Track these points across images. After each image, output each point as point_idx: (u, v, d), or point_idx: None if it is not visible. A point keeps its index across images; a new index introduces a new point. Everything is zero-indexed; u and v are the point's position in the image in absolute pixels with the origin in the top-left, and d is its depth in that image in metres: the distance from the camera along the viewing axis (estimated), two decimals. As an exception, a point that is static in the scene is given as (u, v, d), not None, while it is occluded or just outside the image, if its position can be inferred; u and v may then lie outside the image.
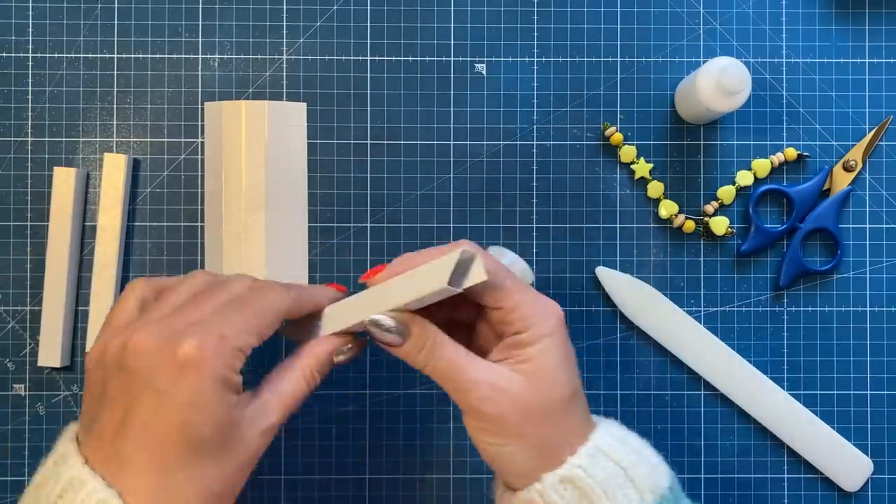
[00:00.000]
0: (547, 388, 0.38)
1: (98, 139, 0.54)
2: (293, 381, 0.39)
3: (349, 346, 0.41)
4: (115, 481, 0.34)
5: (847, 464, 0.53)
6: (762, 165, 0.53)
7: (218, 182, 0.52)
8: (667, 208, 0.53)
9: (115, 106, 0.54)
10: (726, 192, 0.53)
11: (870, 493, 0.53)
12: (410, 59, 0.54)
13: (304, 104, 0.48)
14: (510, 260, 0.48)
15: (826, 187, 0.53)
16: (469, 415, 0.38)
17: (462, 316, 0.43)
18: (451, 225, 0.54)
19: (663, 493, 0.39)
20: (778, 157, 0.53)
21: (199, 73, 0.54)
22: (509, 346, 0.39)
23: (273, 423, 0.37)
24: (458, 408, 0.39)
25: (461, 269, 0.37)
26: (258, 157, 0.52)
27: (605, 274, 0.53)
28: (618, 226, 0.54)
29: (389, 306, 0.38)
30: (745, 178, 0.53)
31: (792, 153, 0.53)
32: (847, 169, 0.53)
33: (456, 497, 0.53)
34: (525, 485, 0.38)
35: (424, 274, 0.37)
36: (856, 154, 0.53)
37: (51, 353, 0.52)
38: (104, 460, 0.35)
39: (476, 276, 0.37)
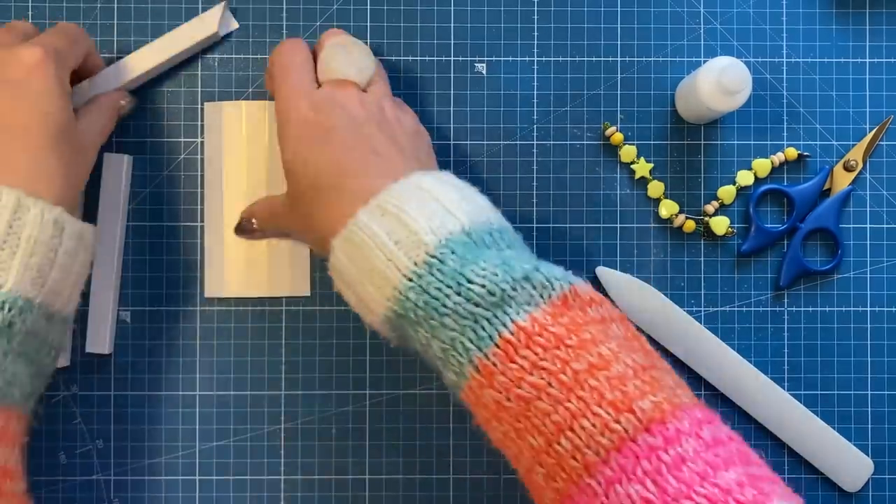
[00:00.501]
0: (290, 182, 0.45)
1: (98, 139, 0.54)
2: (102, 104, 0.50)
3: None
4: None
5: (847, 464, 0.53)
6: (763, 165, 0.53)
7: (218, 182, 0.52)
8: (667, 208, 0.53)
9: (114, 106, 0.54)
10: (727, 192, 0.53)
11: (870, 493, 0.53)
12: (410, 59, 0.54)
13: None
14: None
15: (827, 187, 0.53)
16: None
17: None
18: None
19: (489, 228, 0.40)
20: (778, 157, 0.53)
21: (199, 73, 0.54)
22: None
23: (105, 124, 0.49)
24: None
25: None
26: (259, 158, 0.52)
27: (605, 274, 0.53)
28: (618, 226, 0.54)
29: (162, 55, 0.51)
30: (745, 177, 0.53)
31: (792, 153, 0.53)
32: (848, 169, 0.53)
33: (456, 497, 0.53)
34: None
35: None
36: (856, 154, 0.53)
37: (50, 353, 0.52)
38: None
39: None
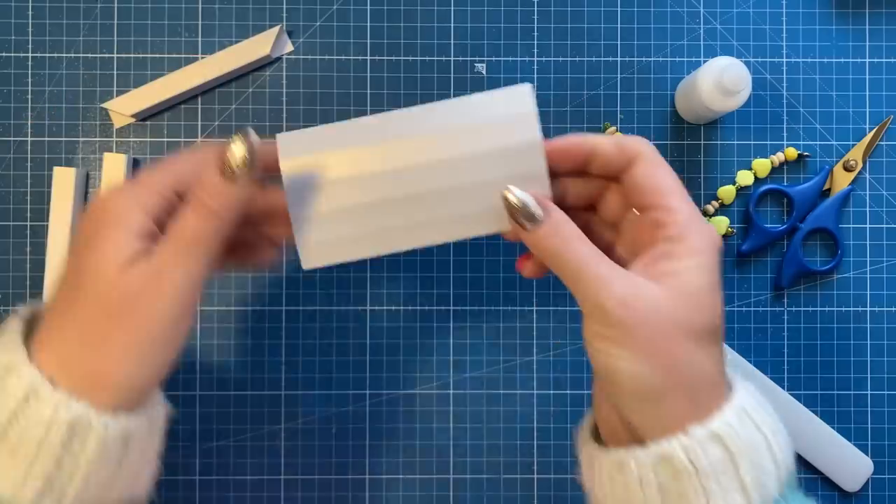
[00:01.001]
0: (689, 308, 0.32)
1: (98, 139, 0.54)
2: (186, 217, 0.34)
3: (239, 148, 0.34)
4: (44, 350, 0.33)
5: (847, 464, 0.53)
6: (762, 165, 0.53)
7: (420, 125, 0.39)
8: (667, 208, 0.53)
9: (114, 106, 0.54)
10: (726, 192, 0.53)
11: (870, 493, 0.53)
12: (410, 59, 0.54)
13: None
14: None
15: (826, 187, 0.53)
16: (592, 317, 0.33)
17: (598, 226, 0.39)
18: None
19: (791, 469, 0.33)
20: (778, 157, 0.53)
21: (199, 72, 0.54)
22: (656, 258, 0.33)
23: (173, 270, 0.33)
24: (582, 309, 0.33)
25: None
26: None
27: (605, 274, 0.53)
28: (618, 226, 0.54)
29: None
30: (745, 177, 0.53)
31: (792, 153, 0.53)
32: (847, 169, 0.53)
33: (456, 497, 0.53)
34: (650, 422, 0.32)
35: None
36: (856, 154, 0.53)
37: (50, 353, 0.52)
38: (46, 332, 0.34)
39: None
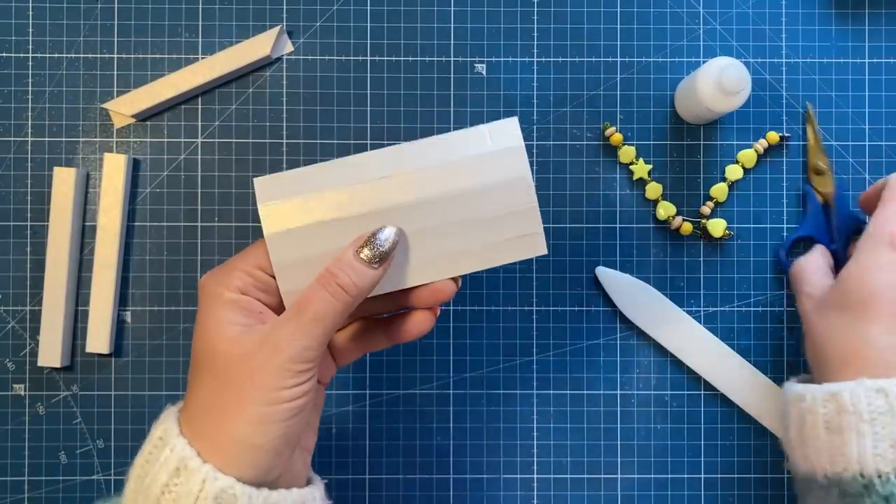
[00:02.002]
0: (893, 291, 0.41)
1: (98, 139, 0.54)
2: (313, 294, 0.35)
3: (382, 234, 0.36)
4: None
5: (847, 464, 0.53)
6: (748, 156, 0.53)
7: (421, 160, 0.38)
8: (665, 209, 0.53)
9: (115, 106, 0.54)
10: (719, 190, 0.53)
11: (870, 492, 0.53)
12: (410, 59, 0.54)
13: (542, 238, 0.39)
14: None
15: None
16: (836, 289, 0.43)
17: None
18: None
19: None
20: (761, 144, 0.53)
21: (199, 73, 0.54)
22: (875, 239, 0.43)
23: (290, 342, 0.33)
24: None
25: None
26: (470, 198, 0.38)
27: (605, 274, 0.53)
28: (618, 226, 0.54)
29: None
30: (734, 172, 0.53)
31: (774, 137, 0.53)
32: (818, 173, 0.53)
33: (456, 497, 0.53)
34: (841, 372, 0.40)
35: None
36: (815, 158, 0.54)
37: (51, 353, 0.52)
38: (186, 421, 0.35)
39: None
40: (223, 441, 0.33)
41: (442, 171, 0.37)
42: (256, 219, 0.53)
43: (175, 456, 0.33)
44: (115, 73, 0.54)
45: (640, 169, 0.53)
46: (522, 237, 0.38)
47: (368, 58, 0.54)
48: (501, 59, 0.54)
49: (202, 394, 0.34)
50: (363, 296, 0.35)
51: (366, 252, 0.35)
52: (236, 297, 0.35)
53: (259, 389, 0.33)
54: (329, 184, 0.36)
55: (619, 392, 0.54)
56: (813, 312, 0.45)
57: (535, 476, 0.53)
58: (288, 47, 0.54)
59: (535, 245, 0.38)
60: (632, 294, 0.53)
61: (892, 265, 0.41)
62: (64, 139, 0.54)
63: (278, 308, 0.37)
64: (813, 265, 0.48)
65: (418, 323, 0.39)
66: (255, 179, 0.37)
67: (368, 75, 0.54)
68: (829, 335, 0.42)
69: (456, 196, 0.37)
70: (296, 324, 0.34)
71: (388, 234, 0.36)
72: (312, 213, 0.36)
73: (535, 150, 0.54)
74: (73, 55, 0.54)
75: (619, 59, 0.54)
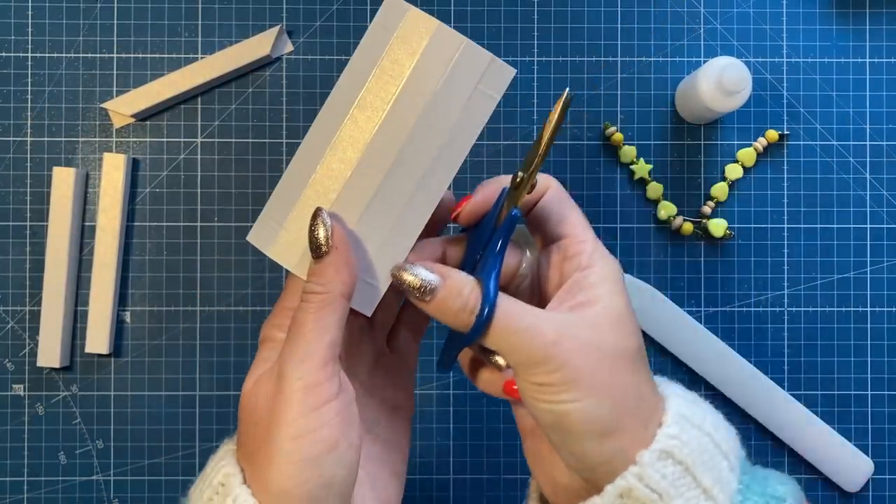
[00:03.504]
0: (616, 334, 0.32)
1: (97, 139, 0.54)
2: (297, 311, 0.33)
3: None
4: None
5: (848, 464, 0.53)
6: (748, 155, 0.53)
7: (346, 99, 0.35)
8: (666, 210, 0.53)
9: (114, 106, 0.54)
10: (720, 189, 0.53)
11: (870, 493, 0.53)
12: (410, 58, 0.54)
13: (514, 71, 0.36)
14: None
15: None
16: (529, 369, 0.32)
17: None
18: (452, 224, 0.54)
19: (741, 454, 0.34)
20: (761, 143, 0.53)
21: (199, 72, 0.54)
22: (571, 291, 0.34)
23: (291, 371, 0.32)
24: (515, 367, 0.32)
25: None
26: (417, 98, 0.35)
27: (605, 274, 0.53)
28: (618, 226, 0.54)
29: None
30: (734, 171, 0.53)
31: (773, 135, 0.53)
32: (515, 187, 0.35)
33: (456, 497, 0.53)
34: (600, 454, 0.32)
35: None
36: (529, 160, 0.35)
37: (50, 353, 0.52)
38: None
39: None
40: (267, 491, 0.31)
41: (375, 89, 0.35)
42: (256, 219, 0.53)
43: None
44: (115, 72, 0.54)
45: (641, 169, 0.53)
46: (484, 76, 0.35)
47: (368, 57, 0.54)
48: (501, 58, 0.54)
49: (242, 441, 0.33)
50: (337, 286, 0.33)
51: (312, 248, 0.33)
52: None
53: (279, 425, 0.31)
54: (302, 181, 0.35)
55: (619, 392, 0.54)
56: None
57: (536, 476, 0.53)
58: (288, 47, 0.54)
59: (502, 73, 0.35)
60: (632, 294, 0.53)
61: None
62: (63, 139, 0.53)
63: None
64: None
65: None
66: (248, 238, 0.36)
67: (368, 75, 0.54)
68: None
69: (405, 94, 0.34)
70: (288, 344, 0.32)
71: (319, 218, 0.33)
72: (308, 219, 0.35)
73: (535, 150, 0.54)
74: (72, 55, 0.54)
75: (619, 59, 0.54)
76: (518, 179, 0.34)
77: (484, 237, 0.35)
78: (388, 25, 0.34)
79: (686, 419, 0.33)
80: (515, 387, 0.35)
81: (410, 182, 0.35)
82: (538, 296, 0.37)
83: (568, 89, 0.35)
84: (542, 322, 0.32)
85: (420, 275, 0.33)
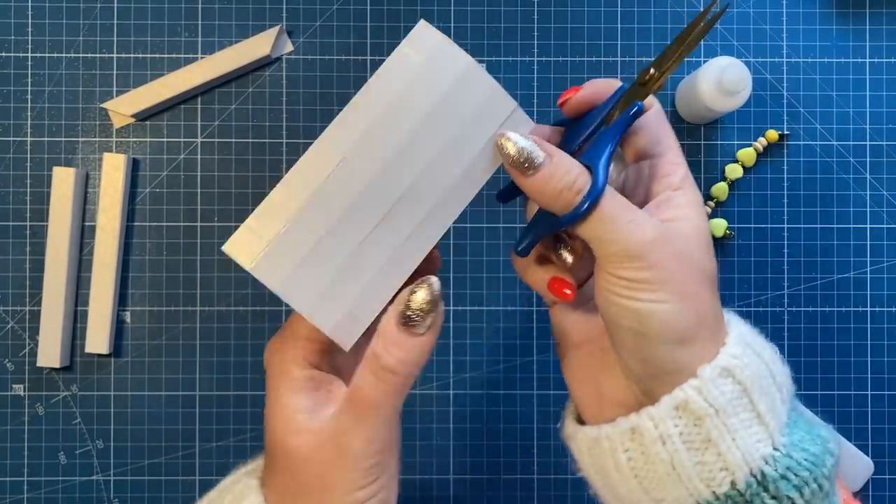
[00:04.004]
0: (703, 253, 0.32)
1: (97, 139, 0.54)
2: (361, 381, 0.32)
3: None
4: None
5: (848, 464, 0.53)
6: (748, 155, 0.53)
7: (357, 125, 0.34)
8: (667, 208, 0.53)
9: (114, 106, 0.54)
10: (720, 189, 0.53)
11: (870, 493, 0.53)
12: (410, 58, 0.54)
13: (533, 124, 0.34)
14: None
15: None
16: (619, 264, 0.31)
17: None
18: (452, 225, 0.54)
19: (792, 390, 0.34)
20: (761, 143, 0.53)
21: (199, 72, 0.54)
22: (661, 205, 0.33)
23: (352, 438, 0.31)
24: (604, 258, 0.31)
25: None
26: (434, 137, 0.33)
27: (605, 274, 0.53)
28: (618, 226, 0.54)
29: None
30: (734, 171, 0.53)
31: (773, 135, 0.53)
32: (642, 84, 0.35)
33: (456, 497, 0.53)
34: (673, 360, 0.31)
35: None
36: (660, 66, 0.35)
37: (50, 353, 0.52)
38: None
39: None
40: None
41: (391, 116, 0.32)
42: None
43: None
44: (115, 72, 0.54)
45: (641, 169, 0.53)
46: (505, 123, 0.33)
47: (368, 57, 0.54)
48: (501, 58, 0.54)
49: (280, 490, 0.32)
50: (417, 369, 0.31)
51: (409, 315, 0.31)
52: (307, 375, 0.32)
53: (333, 495, 0.30)
54: (293, 203, 0.33)
55: (619, 392, 0.54)
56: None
57: (536, 476, 0.53)
58: (288, 47, 0.54)
59: (522, 122, 0.34)
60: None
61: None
62: (63, 139, 0.53)
63: (350, 365, 0.34)
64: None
65: (434, 259, 0.36)
66: (223, 248, 0.33)
67: (368, 75, 0.54)
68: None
69: (422, 129, 0.32)
70: (353, 416, 0.31)
71: (426, 292, 0.31)
72: (305, 233, 0.33)
73: (535, 150, 0.54)
74: (72, 55, 0.54)
75: (619, 59, 0.54)
76: (648, 77, 0.34)
77: (583, 131, 0.34)
78: (414, 51, 0.32)
79: (748, 345, 0.33)
80: (567, 290, 0.35)
81: (413, 219, 0.33)
82: None
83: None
84: (642, 219, 0.31)
85: (525, 146, 0.32)
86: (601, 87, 0.35)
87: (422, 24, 0.32)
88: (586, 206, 0.31)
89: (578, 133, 0.34)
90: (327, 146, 0.33)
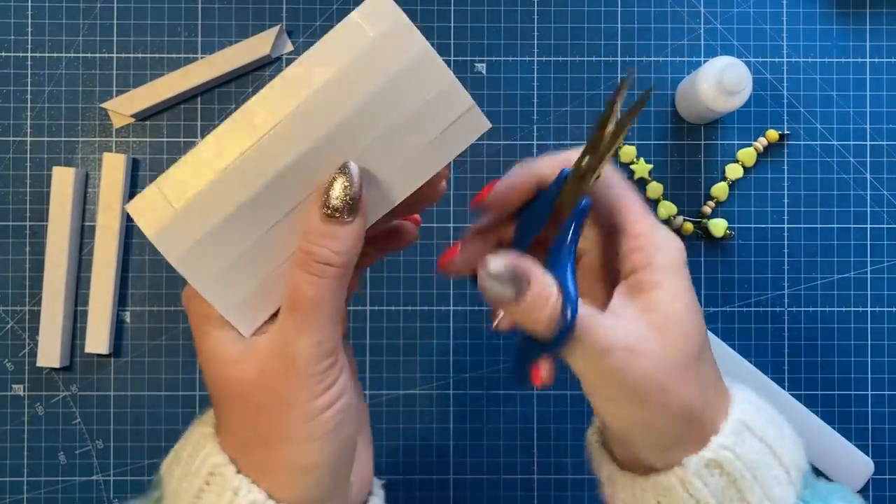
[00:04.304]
0: (680, 341, 0.31)
1: (97, 139, 0.54)
2: (297, 281, 0.30)
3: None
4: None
5: (848, 464, 0.53)
6: (748, 155, 0.53)
7: (293, 92, 0.30)
8: (666, 209, 0.53)
9: (114, 106, 0.54)
10: (720, 189, 0.53)
11: (870, 493, 0.53)
12: (410, 58, 0.54)
13: (489, 125, 0.31)
14: None
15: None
16: (599, 385, 0.31)
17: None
18: (452, 225, 0.54)
19: (805, 468, 0.33)
20: (761, 143, 0.53)
21: (199, 72, 0.54)
22: (630, 290, 0.32)
23: (298, 346, 0.29)
24: (582, 379, 0.31)
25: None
26: (377, 118, 0.30)
27: (605, 274, 0.53)
28: (618, 226, 0.54)
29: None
30: (734, 171, 0.53)
31: (773, 135, 0.53)
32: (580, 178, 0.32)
33: (456, 497, 0.53)
34: (663, 461, 0.31)
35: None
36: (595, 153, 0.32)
37: (50, 353, 0.52)
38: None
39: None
40: (280, 472, 0.30)
41: (327, 93, 0.29)
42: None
43: (245, 501, 0.30)
44: (115, 72, 0.54)
45: (641, 168, 0.53)
46: (459, 120, 0.30)
47: (368, 57, 0.54)
48: (501, 58, 0.54)
49: (236, 429, 0.31)
50: (354, 256, 0.29)
51: (332, 205, 0.29)
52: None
53: (292, 409, 0.29)
54: (219, 163, 0.30)
55: (619, 392, 0.54)
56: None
57: (536, 476, 0.53)
58: (287, 47, 0.54)
59: (476, 122, 0.31)
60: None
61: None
62: (63, 139, 0.53)
63: None
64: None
65: (405, 234, 0.35)
66: (126, 206, 0.30)
67: (368, 75, 0.54)
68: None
69: (361, 111, 0.29)
70: (295, 321, 0.29)
71: (343, 180, 0.29)
72: (215, 206, 0.29)
73: (535, 150, 0.54)
74: (72, 55, 0.54)
75: (619, 59, 0.54)
76: (583, 166, 0.31)
77: (533, 225, 0.32)
78: (367, 23, 0.30)
79: (746, 428, 0.32)
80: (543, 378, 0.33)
81: (375, 176, 0.31)
82: (589, 277, 0.35)
83: (649, 88, 0.34)
84: (613, 338, 0.30)
85: (504, 285, 0.30)
86: (520, 183, 0.33)
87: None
88: (566, 331, 0.29)
89: (530, 224, 0.33)
90: (249, 118, 0.30)
